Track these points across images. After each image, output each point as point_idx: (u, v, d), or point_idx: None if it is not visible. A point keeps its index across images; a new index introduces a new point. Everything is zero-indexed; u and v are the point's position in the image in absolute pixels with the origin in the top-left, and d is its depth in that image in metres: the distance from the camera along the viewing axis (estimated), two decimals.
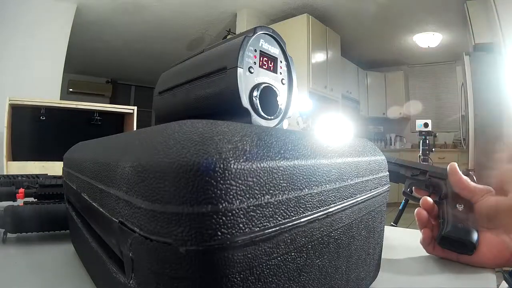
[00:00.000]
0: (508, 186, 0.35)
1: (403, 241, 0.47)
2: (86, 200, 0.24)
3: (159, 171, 0.13)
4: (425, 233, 0.39)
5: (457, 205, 0.39)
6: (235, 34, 2.43)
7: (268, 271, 0.15)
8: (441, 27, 3.37)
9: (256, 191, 0.14)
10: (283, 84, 0.29)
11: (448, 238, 0.37)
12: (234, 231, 0.13)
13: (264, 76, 0.27)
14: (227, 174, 0.13)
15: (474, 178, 0.41)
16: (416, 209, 0.40)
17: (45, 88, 2.57)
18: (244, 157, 0.14)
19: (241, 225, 0.13)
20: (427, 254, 0.40)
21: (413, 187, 0.46)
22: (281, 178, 0.16)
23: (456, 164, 0.42)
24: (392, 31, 3.58)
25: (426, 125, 2.38)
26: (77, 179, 0.28)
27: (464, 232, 0.36)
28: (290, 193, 0.16)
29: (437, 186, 0.43)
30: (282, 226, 0.16)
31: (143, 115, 4.71)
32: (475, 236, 0.36)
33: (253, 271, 0.14)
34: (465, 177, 0.40)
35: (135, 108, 2.20)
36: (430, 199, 0.41)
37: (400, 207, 2.03)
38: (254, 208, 0.14)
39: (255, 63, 0.26)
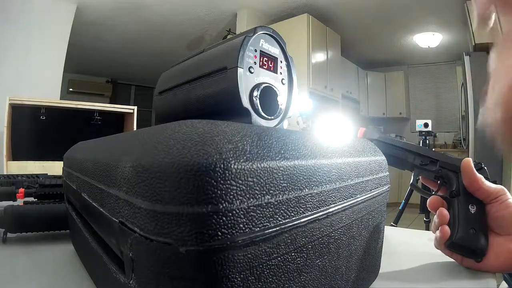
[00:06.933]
0: None
1: (403, 241, 0.47)
2: (86, 200, 0.24)
3: (159, 171, 0.13)
4: (445, 232, 0.36)
5: (470, 206, 0.36)
6: (235, 34, 2.43)
7: (268, 271, 0.15)
8: (441, 27, 3.37)
9: (257, 191, 0.14)
10: (283, 84, 0.29)
11: (458, 244, 0.35)
12: (234, 231, 0.13)
13: (264, 76, 0.27)
14: (227, 174, 0.13)
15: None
16: (439, 209, 0.37)
17: (45, 88, 2.56)
18: (245, 157, 0.14)
19: (241, 225, 0.13)
20: (427, 254, 0.40)
21: (421, 177, 0.43)
22: (282, 178, 0.16)
23: (470, 161, 0.38)
24: (392, 31, 3.58)
25: (426, 125, 2.38)
26: (77, 179, 0.28)
27: (475, 239, 0.35)
28: (290, 193, 0.16)
29: (448, 179, 0.40)
30: (282, 226, 0.16)
31: (143, 115, 4.71)
32: (485, 243, 0.35)
33: (253, 271, 0.14)
34: (479, 176, 0.37)
35: (135, 108, 2.20)
36: (437, 199, 0.38)
37: (400, 207, 2.03)
38: (255, 208, 0.14)
39: (255, 63, 0.26)
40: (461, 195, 0.38)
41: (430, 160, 0.42)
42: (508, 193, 0.36)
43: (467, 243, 0.35)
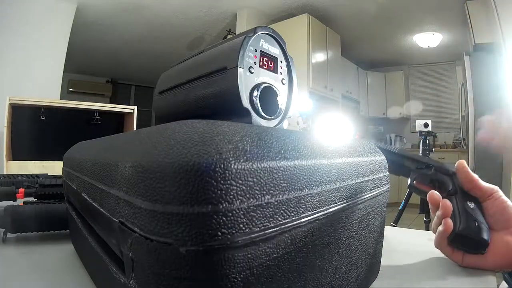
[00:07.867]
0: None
1: (403, 241, 0.47)
2: (86, 200, 0.24)
3: (159, 171, 0.13)
4: (449, 224, 0.35)
5: (468, 202, 0.38)
6: (235, 34, 2.43)
7: (268, 271, 0.15)
8: (441, 27, 3.37)
9: (257, 191, 0.14)
10: (283, 84, 0.29)
11: (462, 236, 0.35)
12: (234, 231, 0.13)
13: (264, 76, 0.27)
14: (227, 174, 0.13)
15: (478, 176, 0.40)
16: (442, 200, 0.37)
17: (45, 88, 2.56)
18: (245, 157, 0.14)
19: (241, 225, 0.13)
20: (427, 254, 0.40)
21: (415, 182, 0.44)
22: (282, 178, 0.16)
23: (465, 162, 0.40)
24: (392, 31, 3.58)
25: (426, 125, 2.37)
26: (77, 179, 0.28)
27: (478, 230, 0.35)
28: (290, 193, 0.16)
29: (443, 182, 0.41)
30: (282, 226, 0.16)
31: (143, 115, 4.72)
32: (488, 233, 0.35)
33: (253, 271, 0.14)
34: (475, 175, 0.38)
35: (135, 108, 2.20)
36: (437, 193, 0.39)
37: (400, 207, 2.03)
38: (255, 208, 0.14)
39: (255, 63, 0.26)
40: (458, 193, 0.39)
41: (425, 165, 0.44)
42: (501, 191, 0.37)
43: (471, 233, 0.35)
